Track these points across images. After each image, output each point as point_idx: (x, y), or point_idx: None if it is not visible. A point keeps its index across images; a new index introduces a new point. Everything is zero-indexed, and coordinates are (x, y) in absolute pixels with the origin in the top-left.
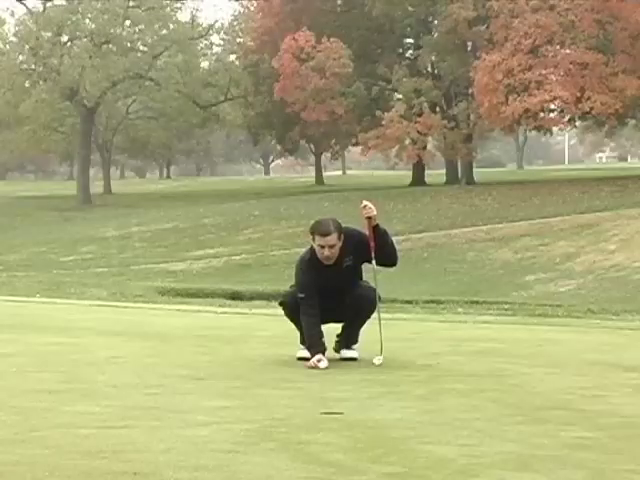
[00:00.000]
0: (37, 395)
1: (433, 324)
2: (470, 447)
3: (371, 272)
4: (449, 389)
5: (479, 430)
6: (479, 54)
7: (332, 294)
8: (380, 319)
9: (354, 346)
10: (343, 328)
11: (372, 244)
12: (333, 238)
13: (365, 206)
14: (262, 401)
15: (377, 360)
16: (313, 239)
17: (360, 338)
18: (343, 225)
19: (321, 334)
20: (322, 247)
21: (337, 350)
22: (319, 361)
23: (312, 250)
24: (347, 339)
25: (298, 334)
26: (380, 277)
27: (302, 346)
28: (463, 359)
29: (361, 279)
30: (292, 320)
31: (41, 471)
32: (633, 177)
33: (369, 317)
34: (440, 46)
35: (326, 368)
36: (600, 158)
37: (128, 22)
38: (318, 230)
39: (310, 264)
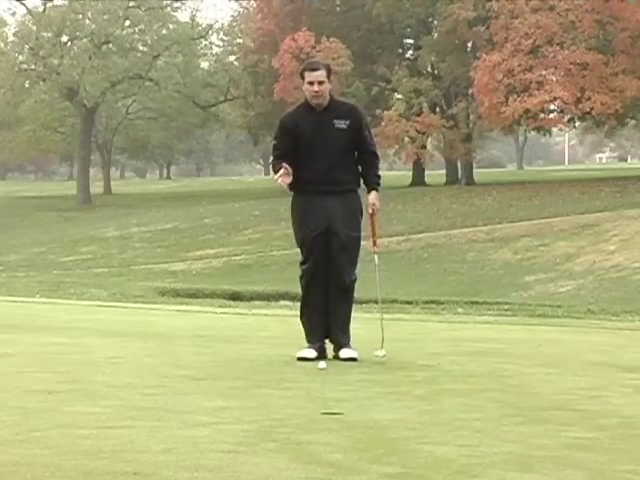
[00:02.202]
0: (37, 395)
1: (433, 324)
2: (470, 447)
3: (373, 272)
4: (449, 389)
5: (479, 430)
6: (479, 54)
7: (319, 155)
8: (382, 314)
9: (351, 344)
10: (333, 329)
11: (374, 240)
12: (322, 74)
13: (374, 205)
14: (262, 401)
15: (380, 352)
16: (303, 79)
17: (352, 337)
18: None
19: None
20: (311, 84)
21: (336, 352)
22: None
23: (303, 101)
24: (340, 337)
25: (303, 333)
26: (380, 277)
27: (306, 345)
28: (463, 359)
29: (358, 184)
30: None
31: (41, 471)
32: (633, 177)
33: (349, 307)
34: (440, 46)
35: (325, 368)
36: (600, 158)
37: (128, 22)
38: (307, 66)
39: (296, 113)
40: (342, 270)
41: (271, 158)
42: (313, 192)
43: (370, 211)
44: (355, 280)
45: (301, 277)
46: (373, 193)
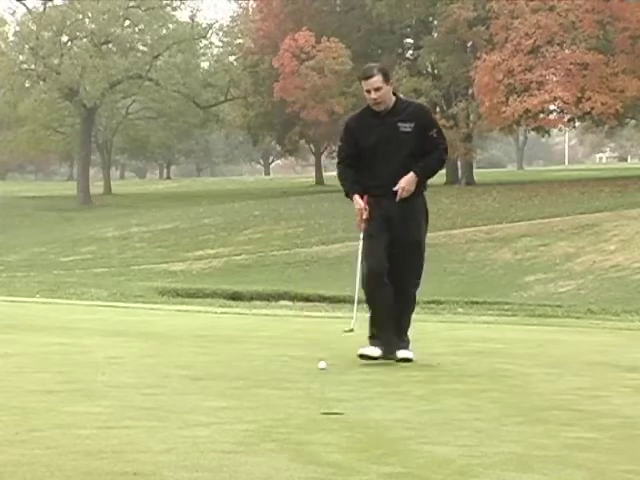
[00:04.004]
0: (37, 395)
1: (433, 324)
2: (470, 447)
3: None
4: (449, 389)
5: (479, 430)
6: (479, 54)
7: (384, 160)
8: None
9: (409, 344)
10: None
11: None
12: (377, 80)
13: (402, 188)
14: (262, 401)
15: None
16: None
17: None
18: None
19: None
20: (368, 92)
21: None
22: (365, 209)
23: (366, 107)
24: (398, 333)
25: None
26: None
27: (369, 342)
28: (463, 359)
29: (424, 188)
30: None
31: (41, 471)
32: (633, 177)
33: (409, 313)
34: (440, 46)
35: (326, 368)
36: (600, 158)
37: (128, 22)
38: (362, 74)
39: (361, 117)
40: (402, 279)
41: (336, 161)
42: (378, 196)
43: (399, 192)
44: (416, 289)
45: (362, 279)
46: (410, 175)
